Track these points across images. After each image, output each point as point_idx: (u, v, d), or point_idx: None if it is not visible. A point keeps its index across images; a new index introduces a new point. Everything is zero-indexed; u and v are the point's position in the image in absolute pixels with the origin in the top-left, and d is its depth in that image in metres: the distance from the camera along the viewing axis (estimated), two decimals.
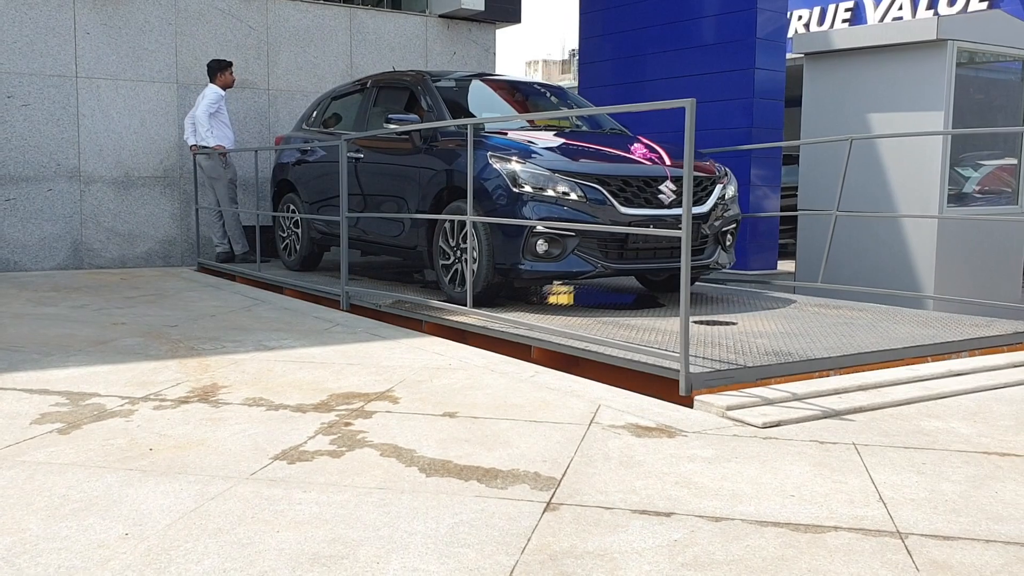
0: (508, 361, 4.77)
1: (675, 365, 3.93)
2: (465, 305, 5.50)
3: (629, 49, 11.11)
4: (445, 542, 2.43)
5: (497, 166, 5.67)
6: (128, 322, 5.86)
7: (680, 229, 5.69)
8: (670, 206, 5.69)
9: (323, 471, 3.01)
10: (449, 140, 6.15)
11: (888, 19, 18.71)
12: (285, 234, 8.38)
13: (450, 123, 5.91)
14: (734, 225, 6.25)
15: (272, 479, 2.92)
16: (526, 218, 5.47)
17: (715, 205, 5.99)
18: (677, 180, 5.75)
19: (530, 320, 5.31)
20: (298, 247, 8.15)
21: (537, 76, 51.75)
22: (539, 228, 5.41)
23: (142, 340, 5.26)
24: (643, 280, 6.98)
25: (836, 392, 4.05)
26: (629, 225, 5.47)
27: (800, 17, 20.47)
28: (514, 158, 5.66)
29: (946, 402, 4.04)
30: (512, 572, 2.26)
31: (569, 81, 41.43)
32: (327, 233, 7.68)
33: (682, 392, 3.88)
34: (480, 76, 7.61)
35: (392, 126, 6.40)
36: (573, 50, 49.85)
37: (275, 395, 4.00)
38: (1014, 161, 8.85)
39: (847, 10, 19.54)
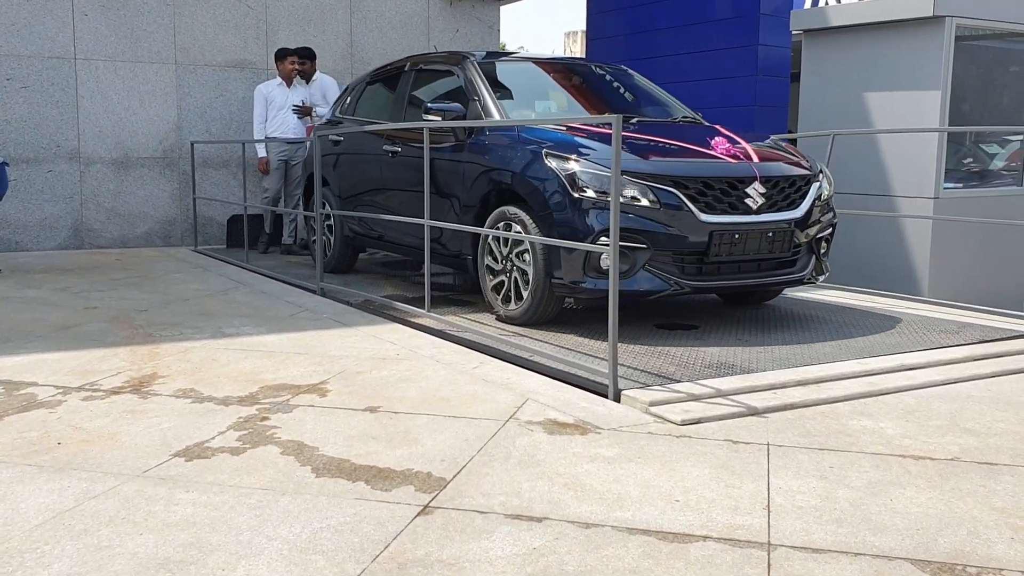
0: (457, 351, 4.75)
1: (605, 380, 3.89)
2: (520, 325, 5.18)
3: (638, 24, 10.94)
4: (301, 549, 2.43)
5: (553, 165, 4.94)
6: (101, 306, 5.93)
7: (772, 235, 5.00)
8: (759, 211, 4.96)
9: (217, 469, 3.02)
10: (501, 134, 5.45)
11: None
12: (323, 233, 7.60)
13: (488, 123, 5.48)
14: (830, 230, 5.46)
15: (162, 477, 2.94)
16: (588, 227, 4.75)
17: (811, 208, 5.21)
18: (767, 181, 5.01)
19: (504, 325, 5.31)
20: (331, 247, 7.40)
21: (577, 48, 51.03)
22: (604, 240, 4.62)
23: (106, 326, 5.32)
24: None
25: (772, 387, 3.97)
26: (711, 235, 4.82)
27: None
28: (573, 156, 4.92)
29: (886, 399, 3.94)
30: None
31: None
32: (361, 233, 7.04)
33: (610, 399, 3.83)
34: (532, 57, 6.93)
35: (431, 117, 5.67)
36: None
37: (207, 387, 4.03)
38: None
39: None
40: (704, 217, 4.79)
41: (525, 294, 5.10)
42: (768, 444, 3.31)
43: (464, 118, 5.63)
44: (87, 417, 3.58)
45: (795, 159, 5.36)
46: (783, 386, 3.99)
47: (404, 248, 6.56)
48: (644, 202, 4.74)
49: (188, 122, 9.33)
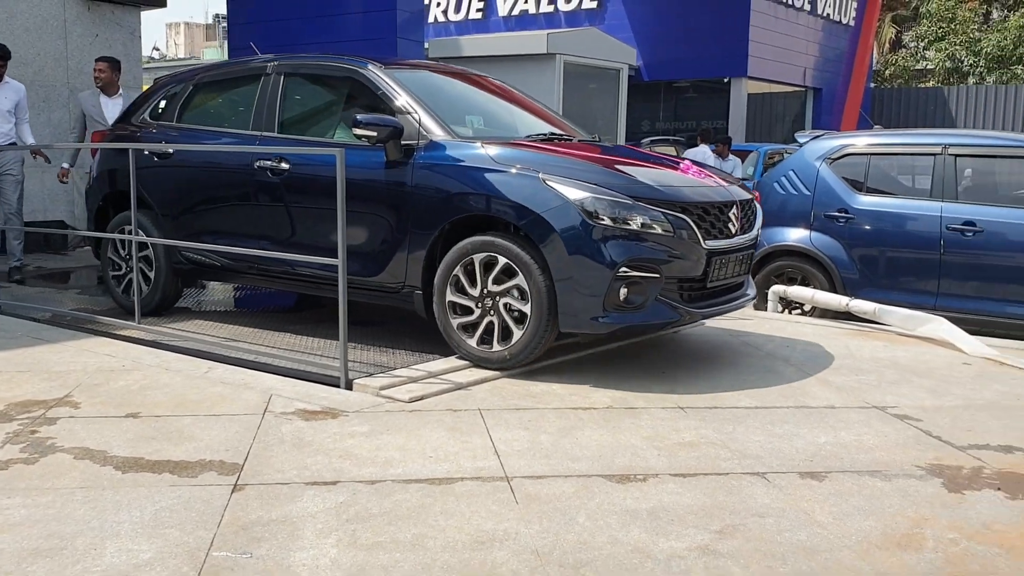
0: (181, 359, 5.16)
1: (337, 373, 4.61)
2: (506, 369, 4.82)
3: (281, 39, 11.44)
4: (151, 526, 2.94)
5: (561, 190, 4.59)
6: None
7: (742, 258, 5.13)
8: (735, 235, 5.05)
9: (22, 478, 3.33)
10: (465, 153, 4.94)
11: (516, 11, 20.51)
12: (125, 265, 6.23)
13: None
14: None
15: None
16: (608, 258, 4.50)
17: (759, 229, 5.42)
18: (740, 204, 5.14)
19: (213, 332, 5.67)
20: (150, 283, 6.11)
21: (180, 40, 49.05)
22: (623, 271, 4.52)
23: None
24: None
25: (468, 367, 4.93)
26: (709, 260, 4.82)
27: (439, 4, 21.80)
28: (577, 181, 4.62)
29: (551, 366, 5.05)
30: (212, 542, 2.83)
31: (215, 50, 40.03)
32: (209, 265, 5.93)
33: (343, 388, 4.55)
34: (428, 65, 6.28)
35: (364, 132, 4.90)
36: (218, 15, 47.82)
37: None
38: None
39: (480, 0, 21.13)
40: (706, 243, 4.78)
41: (518, 333, 4.72)
42: (480, 409, 4.26)
43: (402, 134, 5.02)
44: None
45: (738, 182, 5.60)
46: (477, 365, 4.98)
47: (283, 280, 5.74)
48: (658, 229, 4.59)
49: None
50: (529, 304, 4.64)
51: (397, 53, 10.37)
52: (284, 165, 5.44)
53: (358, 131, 4.92)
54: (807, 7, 21.16)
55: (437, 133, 5.05)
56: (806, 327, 6.47)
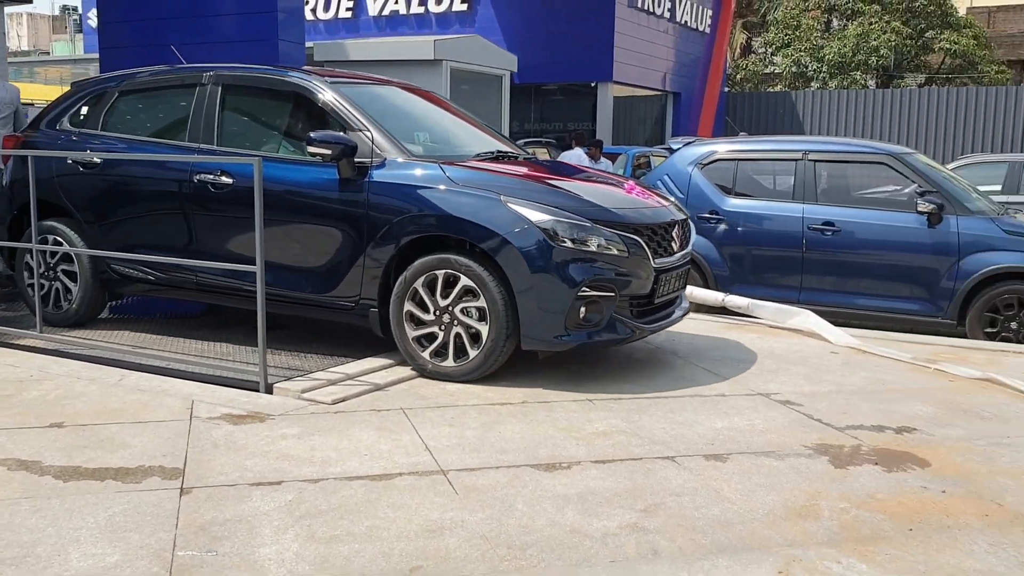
0: (89, 367, 5.12)
1: (256, 378, 4.71)
2: (464, 382, 4.88)
3: (156, 38, 11.17)
4: (109, 530, 3.03)
5: (524, 212, 4.73)
6: None
7: (680, 273, 5.35)
8: (676, 252, 5.28)
9: None
10: (422, 172, 5.00)
11: (387, 11, 20.59)
12: (47, 275, 5.92)
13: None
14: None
15: None
16: (571, 279, 4.68)
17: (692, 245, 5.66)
18: (680, 223, 5.40)
19: (118, 340, 5.63)
20: (73, 294, 5.90)
21: (23, 31, 46.28)
22: (584, 291, 4.71)
23: None
24: None
25: (384, 367, 5.10)
26: (657, 277, 5.04)
27: (307, 2, 21.60)
28: (539, 203, 4.77)
29: None
30: (175, 543, 2.95)
31: (66, 43, 38.13)
32: (140, 278, 5.79)
33: (263, 392, 4.66)
34: (371, 79, 6.18)
35: (318, 150, 4.88)
36: (67, 6, 45.45)
37: None
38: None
39: None
40: (654, 261, 4.99)
41: (476, 348, 4.82)
42: (403, 408, 4.46)
43: (355, 152, 5.00)
44: None
45: (674, 201, 5.78)
46: (391, 366, 5.16)
47: (225, 296, 5.58)
48: (613, 250, 4.78)
49: None
50: (488, 321, 4.75)
51: (279, 55, 10.32)
52: (226, 179, 5.32)
53: (312, 149, 4.90)
54: (667, 15, 22.07)
55: (391, 151, 5.06)
56: (686, 322, 6.89)
